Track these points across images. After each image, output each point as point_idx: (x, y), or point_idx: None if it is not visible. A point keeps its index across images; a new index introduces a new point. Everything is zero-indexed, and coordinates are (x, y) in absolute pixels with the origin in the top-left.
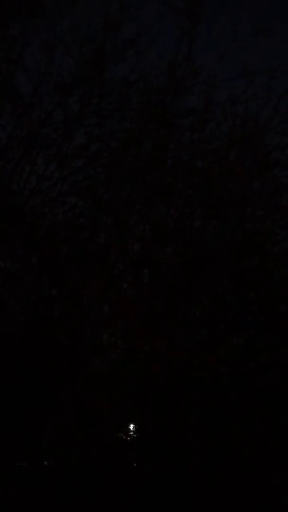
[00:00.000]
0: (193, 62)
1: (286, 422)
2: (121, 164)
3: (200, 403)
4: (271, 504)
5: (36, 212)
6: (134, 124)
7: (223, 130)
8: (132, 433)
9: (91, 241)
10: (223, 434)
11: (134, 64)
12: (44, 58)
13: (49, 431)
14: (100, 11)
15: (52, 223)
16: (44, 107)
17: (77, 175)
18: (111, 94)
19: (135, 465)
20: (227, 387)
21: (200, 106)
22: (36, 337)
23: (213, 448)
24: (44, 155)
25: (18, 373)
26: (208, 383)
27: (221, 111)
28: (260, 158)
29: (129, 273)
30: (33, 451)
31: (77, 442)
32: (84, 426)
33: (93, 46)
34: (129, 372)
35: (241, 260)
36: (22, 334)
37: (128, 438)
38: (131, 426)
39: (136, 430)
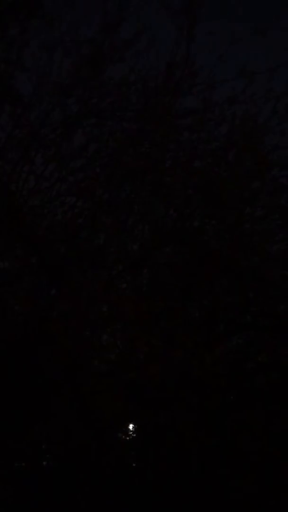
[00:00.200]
0: (192, 62)
1: (286, 422)
2: (120, 164)
3: (199, 403)
4: (271, 504)
5: (35, 212)
6: (133, 124)
7: (222, 130)
8: (131, 433)
9: (90, 241)
10: (222, 434)
11: (133, 64)
12: (43, 59)
13: (48, 431)
14: (98, 12)
15: (51, 223)
16: (43, 107)
17: (76, 175)
18: (110, 94)
19: (134, 465)
20: (226, 387)
21: (199, 106)
22: (36, 337)
23: (212, 448)
24: (43, 155)
25: (17, 373)
26: (207, 383)
27: (220, 112)
28: (259, 159)
29: (128, 273)
30: (32, 451)
31: (77, 442)
32: (84, 426)
33: (92, 47)
34: (128, 372)
35: (240, 260)
36: (22, 334)
37: (128, 438)
38: (131, 426)
39: (135, 430)
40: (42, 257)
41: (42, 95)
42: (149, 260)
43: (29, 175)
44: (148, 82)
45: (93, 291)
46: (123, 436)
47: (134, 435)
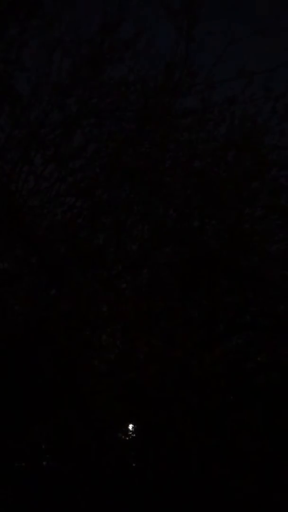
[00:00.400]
0: (191, 62)
1: (285, 422)
2: (119, 164)
3: (199, 403)
4: (271, 504)
5: (34, 212)
6: (132, 124)
7: (222, 130)
8: (131, 433)
9: (89, 241)
10: (222, 434)
11: (132, 64)
12: (42, 58)
13: (48, 431)
14: (98, 12)
15: (50, 223)
16: (42, 107)
17: (75, 175)
18: (109, 94)
19: (134, 465)
20: (226, 387)
21: (198, 106)
22: (35, 337)
23: (212, 448)
24: (42, 156)
25: (17, 373)
26: (207, 384)
27: (220, 112)
28: (258, 159)
29: (127, 273)
30: (32, 451)
31: (76, 442)
32: (83, 426)
33: (92, 47)
34: (128, 372)
35: (239, 260)
36: (22, 334)
37: (127, 438)
38: (130, 426)
39: (135, 430)
40: (41, 257)
41: (41, 95)
42: (149, 260)
43: (28, 175)
44: (148, 82)
45: (92, 291)
46: (123, 436)
47: (134, 435)
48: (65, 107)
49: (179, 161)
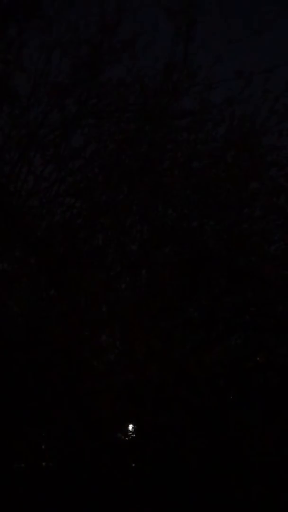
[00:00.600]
0: (189, 63)
1: (285, 422)
2: (118, 165)
3: (198, 403)
4: (271, 504)
5: (34, 213)
6: (131, 125)
7: (220, 131)
8: (131, 433)
9: (89, 242)
10: (221, 434)
11: (131, 65)
12: (41, 59)
13: (47, 432)
14: (97, 13)
15: (50, 223)
16: (41, 108)
17: (74, 176)
18: (108, 95)
19: (134, 465)
20: (225, 387)
21: (197, 107)
22: (35, 338)
23: (211, 448)
24: (41, 156)
25: (16, 374)
26: (206, 384)
27: (218, 112)
28: (257, 159)
29: (127, 273)
30: (32, 452)
31: (76, 442)
32: (83, 426)
33: (90, 47)
34: (127, 372)
35: (238, 260)
36: (21, 335)
37: (127, 439)
38: (130, 427)
39: (135, 431)
40: (41, 258)
41: (40, 95)
42: (148, 260)
43: (28, 176)
44: (147, 83)
45: (92, 291)
46: (123, 437)
47: (134, 435)
48: (64, 107)
49: (178, 162)
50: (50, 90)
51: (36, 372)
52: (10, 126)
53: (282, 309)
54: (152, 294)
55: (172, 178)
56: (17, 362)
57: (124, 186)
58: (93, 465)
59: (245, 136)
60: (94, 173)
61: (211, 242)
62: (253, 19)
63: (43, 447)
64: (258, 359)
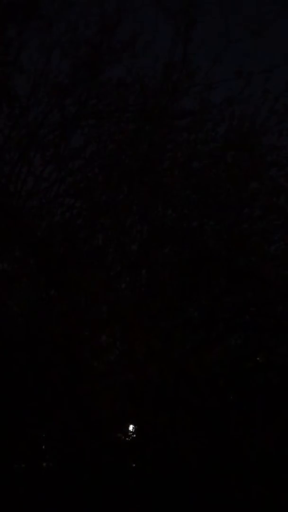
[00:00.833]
0: (188, 63)
1: (284, 422)
2: (118, 165)
3: (198, 403)
4: (271, 504)
5: (33, 213)
6: (131, 125)
7: (220, 131)
8: (131, 433)
9: (88, 242)
10: (221, 434)
11: (130, 65)
12: (41, 60)
13: (48, 432)
14: (96, 13)
15: (49, 224)
16: (41, 109)
17: (74, 176)
18: (108, 95)
19: (134, 465)
20: (225, 387)
21: (196, 107)
22: (35, 338)
23: (211, 448)
24: (41, 156)
25: (16, 374)
26: (206, 384)
27: (218, 112)
28: (257, 159)
29: (127, 273)
30: (32, 452)
31: (76, 443)
32: (83, 426)
33: (90, 48)
34: (127, 372)
35: (238, 260)
36: (21, 335)
37: (127, 439)
38: (131, 427)
39: (135, 431)
40: (41, 258)
41: (40, 96)
42: (148, 260)
43: (27, 176)
44: (146, 83)
45: (92, 291)
46: (123, 437)
47: (134, 435)
48: (64, 107)
49: (178, 162)
50: (50, 91)
51: (36, 372)
52: (10, 127)
53: (282, 309)
54: (152, 294)
55: (172, 178)
56: (17, 362)
57: (124, 186)
58: (94, 466)
59: (245, 136)
60: (94, 173)
61: (211, 242)
62: (253, 19)
63: (43, 447)
64: (258, 359)
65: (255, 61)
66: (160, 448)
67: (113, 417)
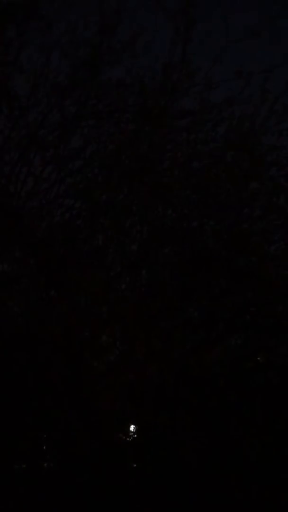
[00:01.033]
0: (188, 63)
1: (285, 421)
2: (118, 165)
3: (198, 403)
4: (271, 504)
5: (33, 214)
6: (130, 125)
7: (220, 131)
8: (132, 434)
9: (88, 242)
10: (221, 434)
11: (130, 66)
12: (40, 60)
13: (49, 433)
14: (96, 13)
15: (49, 224)
16: (41, 109)
17: (74, 176)
18: (107, 96)
19: (135, 465)
20: (225, 387)
21: (196, 107)
22: (35, 339)
23: (212, 448)
24: (41, 157)
25: (17, 374)
26: (206, 384)
27: (218, 112)
28: (257, 159)
29: (127, 274)
30: (33, 452)
31: (77, 443)
32: (84, 427)
33: (89, 48)
34: (128, 373)
35: (238, 260)
36: (21, 336)
37: (128, 439)
38: (132, 427)
39: (136, 431)
40: (41, 258)
41: (40, 96)
42: (148, 261)
43: (27, 177)
44: (146, 83)
45: (92, 291)
46: (124, 437)
47: (135, 435)
48: (64, 108)
49: (178, 162)
50: (50, 91)
51: (37, 372)
52: (10, 127)
53: (282, 309)
54: (152, 294)
55: (172, 178)
56: (18, 362)
57: (124, 186)
58: (94, 466)
59: (245, 136)
60: (94, 174)
61: (211, 242)
62: (252, 19)
63: (44, 447)
64: (258, 359)
65: (255, 61)
66: (161, 448)
67: (114, 417)
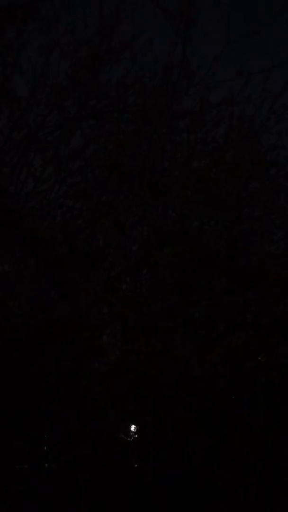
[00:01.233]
0: (188, 64)
1: (285, 421)
2: (118, 165)
3: (199, 403)
4: (271, 504)
5: (33, 215)
6: (130, 126)
7: (220, 131)
8: (133, 434)
9: (89, 243)
10: (222, 434)
11: (130, 66)
12: (40, 61)
13: (50, 433)
14: (95, 14)
15: (50, 225)
16: (41, 110)
17: (74, 177)
18: (107, 96)
19: (136, 466)
20: (226, 387)
21: (196, 107)
22: (36, 339)
23: (212, 448)
24: (41, 158)
25: (18, 375)
26: (207, 384)
27: (218, 112)
28: (257, 159)
29: (127, 274)
30: (34, 453)
31: (78, 443)
32: (85, 427)
33: (89, 49)
34: (128, 373)
35: (239, 260)
36: (22, 336)
37: (129, 439)
38: (132, 427)
39: (137, 431)
40: (41, 259)
41: (39, 97)
42: (149, 261)
43: (27, 178)
44: (146, 84)
45: (92, 292)
46: (125, 437)
47: (136, 436)
48: (63, 109)
49: (178, 162)
50: (49, 92)
51: (38, 373)
52: (10, 128)
53: (282, 308)
54: (152, 294)
55: (172, 178)
56: (19, 363)
57: (124, 187)
58: (96, 466)
59: (245, 136)
60: (94, 174)
61: (212, 242)
62: (252, 19)
63: (45, 448)
64: (259, 358)
65: (255, 61)
66: (162, 448)
67: (115, 418)
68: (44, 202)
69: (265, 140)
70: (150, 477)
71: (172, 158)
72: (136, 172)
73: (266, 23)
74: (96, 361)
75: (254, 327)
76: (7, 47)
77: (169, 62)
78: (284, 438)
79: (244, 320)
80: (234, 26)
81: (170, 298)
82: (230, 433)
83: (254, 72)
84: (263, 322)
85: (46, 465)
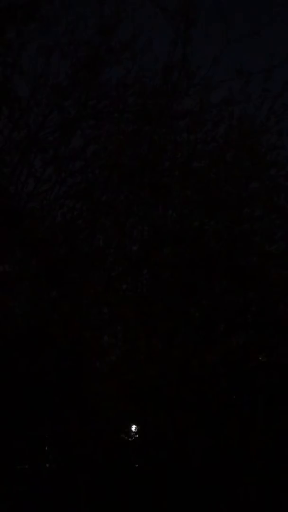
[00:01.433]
0: (188, 64)
1: (285, 421)
2: (118, 166)
3: (199, 403)
4: (271, 504)
5: (34, 215)
6: (131, 126)
7: (220, 131)
8: (134, 434)
9: (89, 243)
10: (222, 434)
11: (130, 66)
12: (40, 61)
13: (50, 433)
14: (95, 14)
15: (50, 225)
16: (41, 110)
17: (74, 177)
18: (107, 96)
19: (137, 466)
20: (226, 387)
21: (196, 107)
22: (36, 339)
23: (212, 448)
24: (41, 158)
25: (19, 375)
26: (207, 383)
27: (218, 112)
28: (257, 159)
29: (128, 274)
30: (35, 453)
31: (79, 443)
32: (85, 427)
33: (89, 49)
34: (129, 373)
35: (239, 260)
36: (22, 336)
37: (130, 439)
38: (133, 427)
39: (138, 431)
40: (42, 259)
41: (40, 97)
42: (149, 261)
43: (28, 178)
44: (146, 84)
45: (93, 292)
46: (126, 437)
47: (137, 436)
48: (64, 109)
49: (178, 162)
50: (50, 92)
51: (38, 373)
52: (10, 128)
53: (283, 308)
54: (153, 294)
55: (172, 178)
56: (19, 363)
57: (124, 187)
58: (96, 466)
59: (245, 136)
60: (94, 174)
61: (212, 242)
62: (252, 19)
63: (46, 448)
64: (260, 358)
65: (255, 61)
66: (162, 448)
67: (116, 418)
68: (44, 202)
69: (265, 140)
70: (150, 477)
71: (172, 158)
72: (136, 172)
73: (266, 23)
74: (97, 361)
75: (254, 327)
76: (7, 47)
77: (169, 62)
78: (284, 438)
79: (244, 320)
80: (234, 26)
81: (170, 298)
82: (230, 433)
83: (254, 72)
84: (263, 322)
85: (46, 465)
